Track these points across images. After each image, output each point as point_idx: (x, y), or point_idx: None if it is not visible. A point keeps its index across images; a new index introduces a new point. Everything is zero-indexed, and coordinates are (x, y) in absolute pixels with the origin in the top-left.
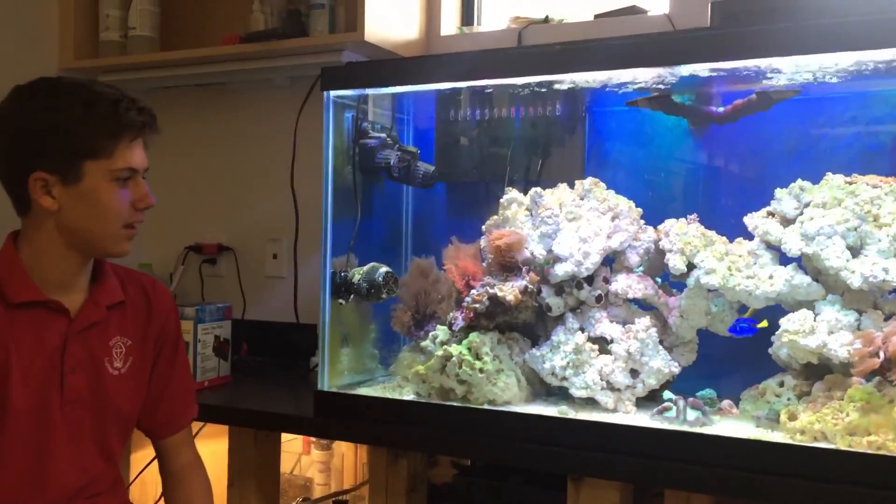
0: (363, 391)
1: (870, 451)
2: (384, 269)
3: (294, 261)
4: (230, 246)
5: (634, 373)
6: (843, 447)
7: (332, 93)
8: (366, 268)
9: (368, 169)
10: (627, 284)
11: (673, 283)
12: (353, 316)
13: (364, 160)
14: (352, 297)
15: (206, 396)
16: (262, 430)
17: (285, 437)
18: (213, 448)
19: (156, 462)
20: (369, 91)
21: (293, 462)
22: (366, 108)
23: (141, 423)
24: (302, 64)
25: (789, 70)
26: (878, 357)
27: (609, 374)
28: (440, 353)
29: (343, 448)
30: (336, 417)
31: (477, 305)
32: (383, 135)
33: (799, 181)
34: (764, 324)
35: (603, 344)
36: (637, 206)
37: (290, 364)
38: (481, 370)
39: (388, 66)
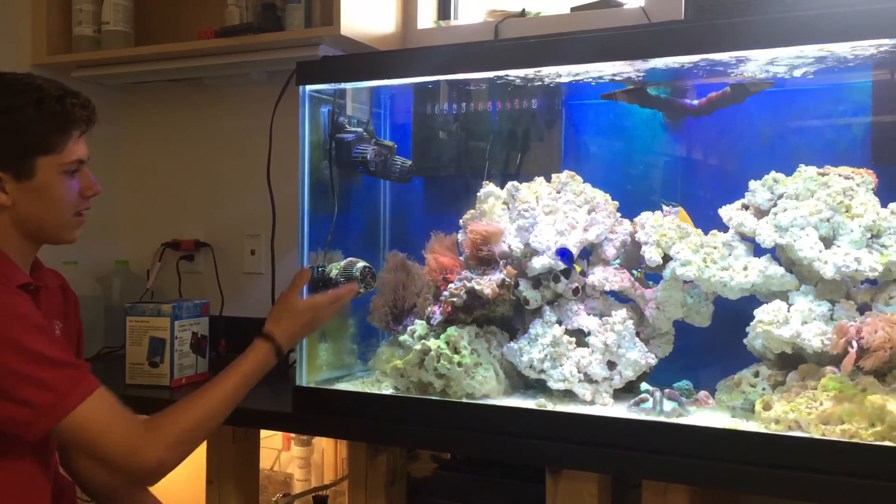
0: (342, 386)
1: (843, 440)
2: (361, 263)
3: (271, 256)
4: (208, 242)
5: (612, 365)
6: (816, 436)
7: (308, 87)
8: (343, 263)
9: (345, 163)
10: (604, 277)
11: (649, 275)
12: None
13: (340, 155)
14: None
15: (183, 393)
16: (240, 426)
17: (265, 433)
18: None
19: None
20: (346, 85)
21: (273, 458)
22: (342, 103)
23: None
24: (278, 58)
25: (763, 62)
26: (852, 347)
27: (586, 366)
28: (418, 347)
29: (323, 444)
30: (315, 413)
31: (455, 299)
32: (360, 129)
33: (772, 173)
34: (578, 268)
35: (580, 336)
36: (613, 199)
37: None
38: (459, 364)
39: (363, 60)
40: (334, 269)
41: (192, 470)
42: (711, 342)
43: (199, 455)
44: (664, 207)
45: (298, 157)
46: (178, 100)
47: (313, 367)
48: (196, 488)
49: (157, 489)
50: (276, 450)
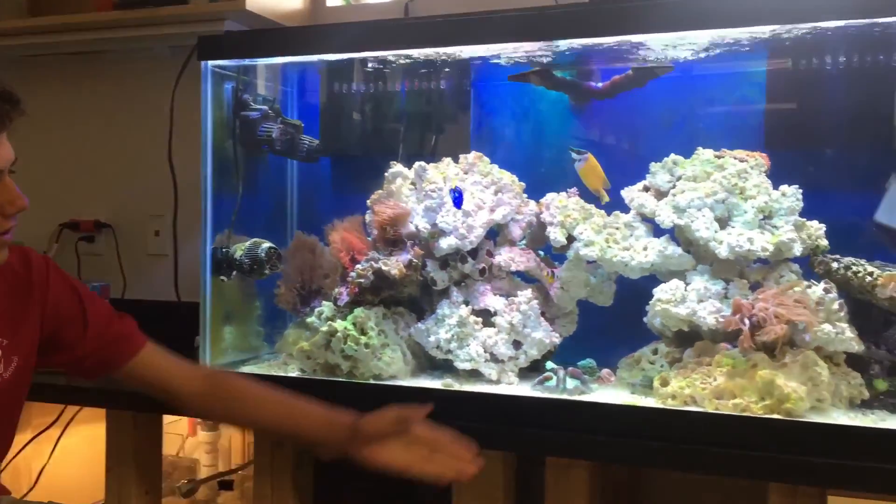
0: (248, 369)
1: (735, 413)
2: (266, 244)
3: (174, 237)
4: (109, 223)
5: (517, 344)
6: (710, 410)
7: (211, 63)
8: (248, 243)
9: (250, 142)
10: (510, 257)
11: (555, 255)
12: (236, 293)
13: (245, 133)
14: (234, 273)
15: (81, 379)
16: (141, 412)
17: (169, 418)
18: (90, 433)
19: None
20: (250, 62)
21: (178, 444)
22: (247, 80)
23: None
24: (182, 33)
25: (664, 47)
26: (745, 324)
27: (492, 346)
28: (325, 328)
29: (231, 428)
30: None
31: (361, 280)
32: (265, 107)
33: (672, 155)
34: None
35: (487, 317)
36: (520, 180)
37: (172, 344)
38: (366, 345)
39: (268, 35)
40: (239, 250)
41: (92, 457)
42: (614, 321)
43: (99, 442)
44: (573, 154)
45: (201, 135)
46: (77, 74)
47: (218, 351)
48: (96, 476)
49: (55, 477)
50: (181, 435)
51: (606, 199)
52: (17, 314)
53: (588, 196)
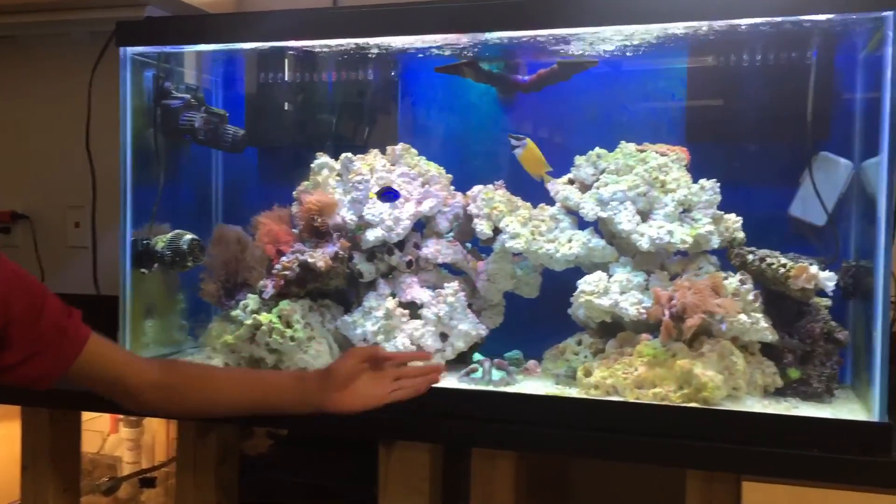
0: None
1: (655, 402)
2: (189, 236)
3: (92, 229)
4: (26, 214)
5: (444, 336)
6: (631, 399)
7: (130, 50)
8: (169, 235)
9: (172, 131)
10: (437, 249)
11: (482, 247)
12: (159, 286)
13: (167, 122)
14: (155, 265)
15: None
16: (57, 409)
17: (88, 415)
18: (4, 431)
19: None
20: (175, 49)
21: (99, 441)
22: (169, 67)
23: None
24: (101, 18)
25: (591, 42)
26: (665, 315)
27: (419, 338)
28: (249, 321)
29: (154, 425)
30: None
31: (287, 273)
32: (187, 96)
33: (597, 149)
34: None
35: (413, 309)
36: (448, 172)
37: None
38: (292, 338)
39: (190, 22)
40: (160, 242)
41: (7, 455)
42: (540, 313)
43: (14, 441)
44: (512, 141)
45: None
46: None
47: (139, 345)
48: (12, 474)
49: None
50: (102, 432)
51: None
52: None
53: (531, 183)
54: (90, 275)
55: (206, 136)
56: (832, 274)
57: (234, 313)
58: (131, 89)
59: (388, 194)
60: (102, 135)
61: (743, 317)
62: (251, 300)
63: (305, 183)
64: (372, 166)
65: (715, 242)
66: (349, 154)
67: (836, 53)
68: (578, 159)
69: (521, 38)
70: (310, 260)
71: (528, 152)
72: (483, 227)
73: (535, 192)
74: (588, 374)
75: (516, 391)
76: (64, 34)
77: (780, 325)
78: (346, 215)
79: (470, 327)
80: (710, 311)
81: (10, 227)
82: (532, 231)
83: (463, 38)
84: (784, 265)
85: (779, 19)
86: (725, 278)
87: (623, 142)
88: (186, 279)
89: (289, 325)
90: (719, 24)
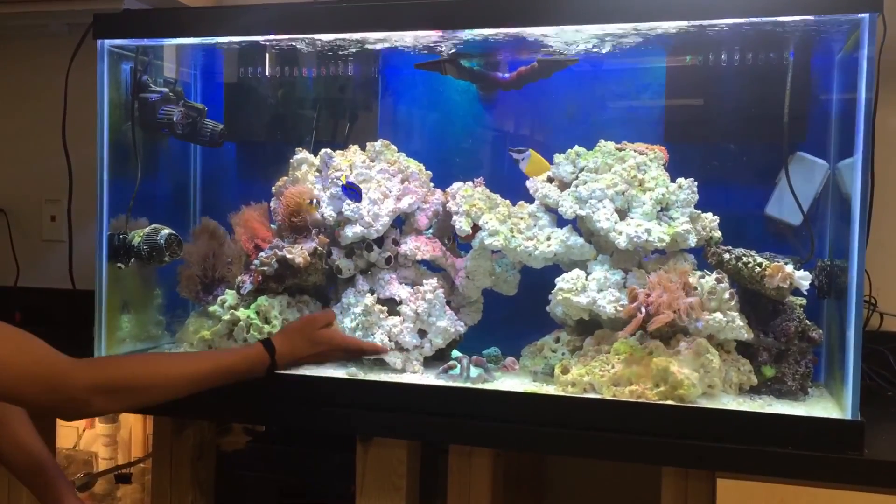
0: None
1: (631, 400)
2: (166, 230)
3: (68, 223)
4: (1, 207)
5: (423, 333)
6: (608, 397)
7: (108, 42)
8: (147, 230)
9: (150, 125)
10: (416, 246)
11: (461, 244)
12: (135, 281)
13: (145, 116)
14: (132, 260)
15: None
16: None
17: None
18: None
19: None
20: (153, 42)
21: (74, 437)
22: (146, 60)
23: None
24: (79, 10)
25: (568, 40)
26: (641, 312)
27: (398, 334)
28: (227, 317)
29: (131, 420)
30: None
31: (265, 268)
32: (165, 89)
33: (576, 147)
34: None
35: (392, 305)
36: (427, 169)
37: (69, 333)
38: (270, 334)
39: (168, 15)
40: (137, 237)
41: None
42: (519, 310)
43: None
44: (514, 155)
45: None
46: None
47: (114, 340)
48: None
49: None
50: (77, 428)
51: None
52: None
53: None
54: (66, 269)
55: (185, 130)
56: (807, 273)
57: (211, 309)
58: (109, 82)
59: (350, 191)
60: (79, 128)
61: (719, 315)
62: (229, 296)
63: (284, 178)
64: (351, 162)
65: (692, 241)
66: (328, 150)
67: (813, 55)
68: (558, 157)
69: (501, 36)
70: (288, 255)
71: (534, 163)
72: (462, 224)
73: (514, 190)
74: (565, 371)
75: (494, 388)
76: (41, 26)
77: (756, 324)
78: (325, 211)
79: (448, 324)
80: (679, 309)
81: None
82: (511, 228)
83: (444, 35)
84: (760, 264)
85: (757, 20)
86: (702, 277)
87: (602, 140)
88: (164, 274)
89: (266, 320)
90: (698, 23)
